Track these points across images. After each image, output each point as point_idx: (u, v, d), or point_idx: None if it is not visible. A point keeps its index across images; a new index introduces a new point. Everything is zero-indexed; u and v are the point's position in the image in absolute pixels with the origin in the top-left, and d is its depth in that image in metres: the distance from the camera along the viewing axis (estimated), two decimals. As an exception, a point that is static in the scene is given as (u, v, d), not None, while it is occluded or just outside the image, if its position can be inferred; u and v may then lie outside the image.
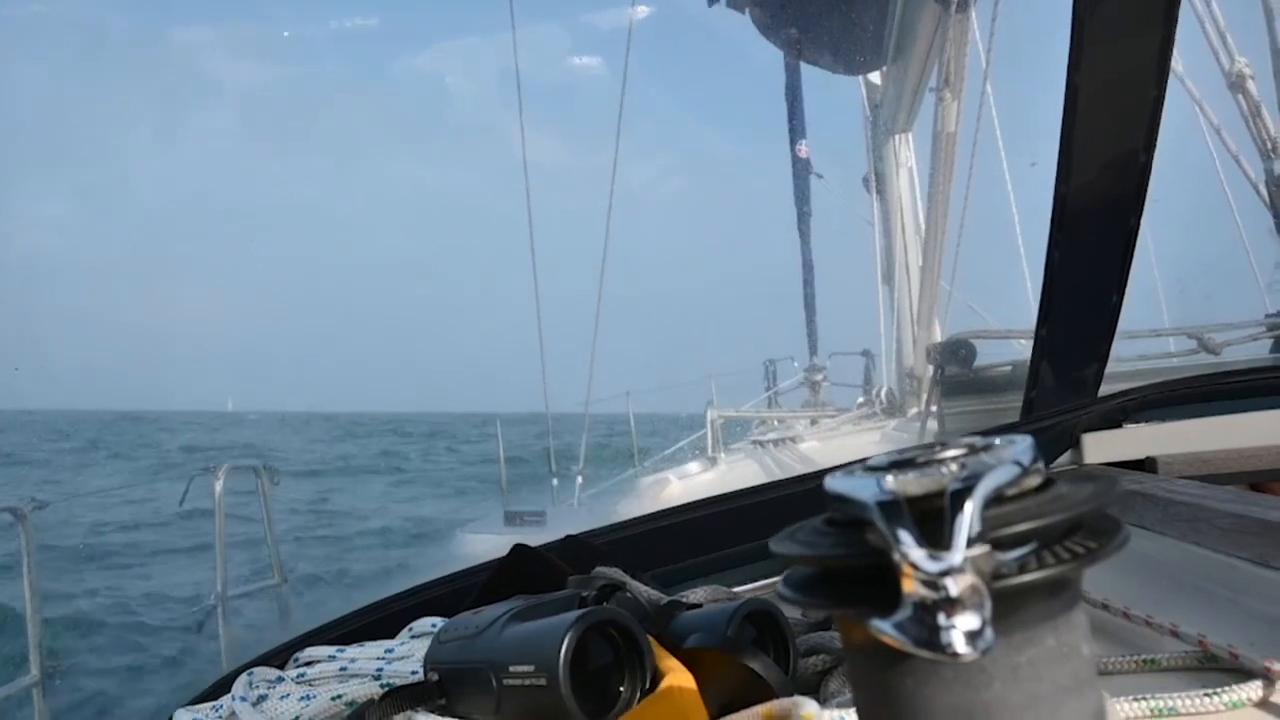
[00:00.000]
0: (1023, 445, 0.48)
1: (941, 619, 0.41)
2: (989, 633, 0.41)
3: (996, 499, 0.45)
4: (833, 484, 0.49)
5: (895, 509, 0.44)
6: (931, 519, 0.43)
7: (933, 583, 0.42)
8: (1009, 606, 0.44)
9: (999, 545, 0.43)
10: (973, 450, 0.49)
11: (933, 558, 0.42)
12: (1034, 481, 0.48)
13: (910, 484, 0.45)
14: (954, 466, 0.46)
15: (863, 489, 0.46)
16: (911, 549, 0.42)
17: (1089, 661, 0.49)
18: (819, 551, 0.48)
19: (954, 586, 0.41)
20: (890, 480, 0.46)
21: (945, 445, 0.50)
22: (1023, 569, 0.44)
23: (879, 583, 0.44)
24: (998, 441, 0.50)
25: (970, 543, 0.42)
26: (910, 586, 0.42)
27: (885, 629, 0.43)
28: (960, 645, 0.41)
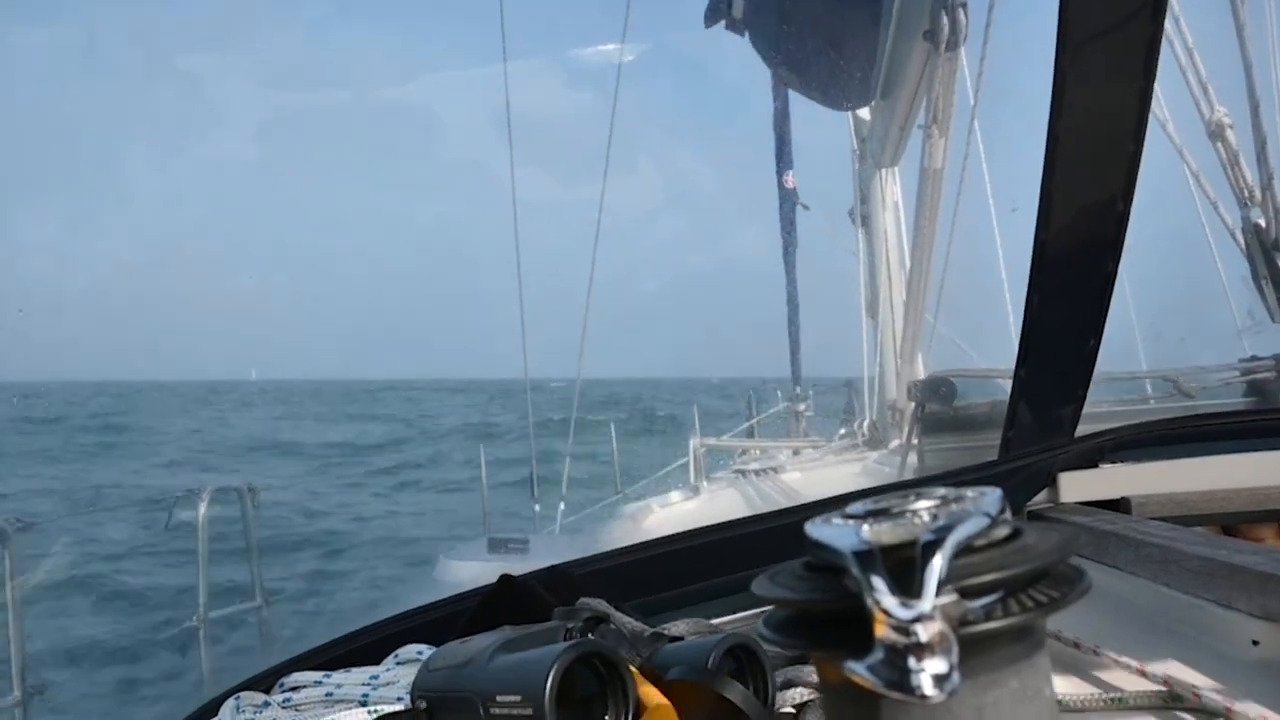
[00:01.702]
0: (992, 497, 0.52)
1: (911, 663, 0.45)
2: (956, 676, 0.45)
3: (966, 549, 0.48)
4: (812, 530, 0.52)
5: (870, 558, 0.47)
6: (904, 567, 0.47)
7: (903, 628, 0.45)
8: (975, 651, 0.47)
9: (967, 593, 0.46)
10: (945, 501, 0.52)
11: (904, 605, 0.45)
12: (1002, 532, 0.51)
13: (885, 533, 0.49)
14: (926, 517, 0.50)
15: (840, 537, 0.49)
16: (884, 596, 0.46)
17: (1050, 703, 0.52)
18: (798, 595, 0.51)
19: (924, 632, 0.44)
20: (866, 529, 0.49)
21: (920, 495, 0.53)
22: (989, 616, 0.47)
23: (854, 625, 0.47)
24: (969, 493, 0.53)
25: (940, 591, 0.45)
26: (882, 631, 0.45)
27: (858, 670, 0.46)
28: (928, 688, 0.44)
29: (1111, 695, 1.14)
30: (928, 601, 0.45)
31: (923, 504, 0.52)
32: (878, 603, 0.45)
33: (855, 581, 0.47)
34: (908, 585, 0.46)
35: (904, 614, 0.45)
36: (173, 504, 5.29)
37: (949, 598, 0.45)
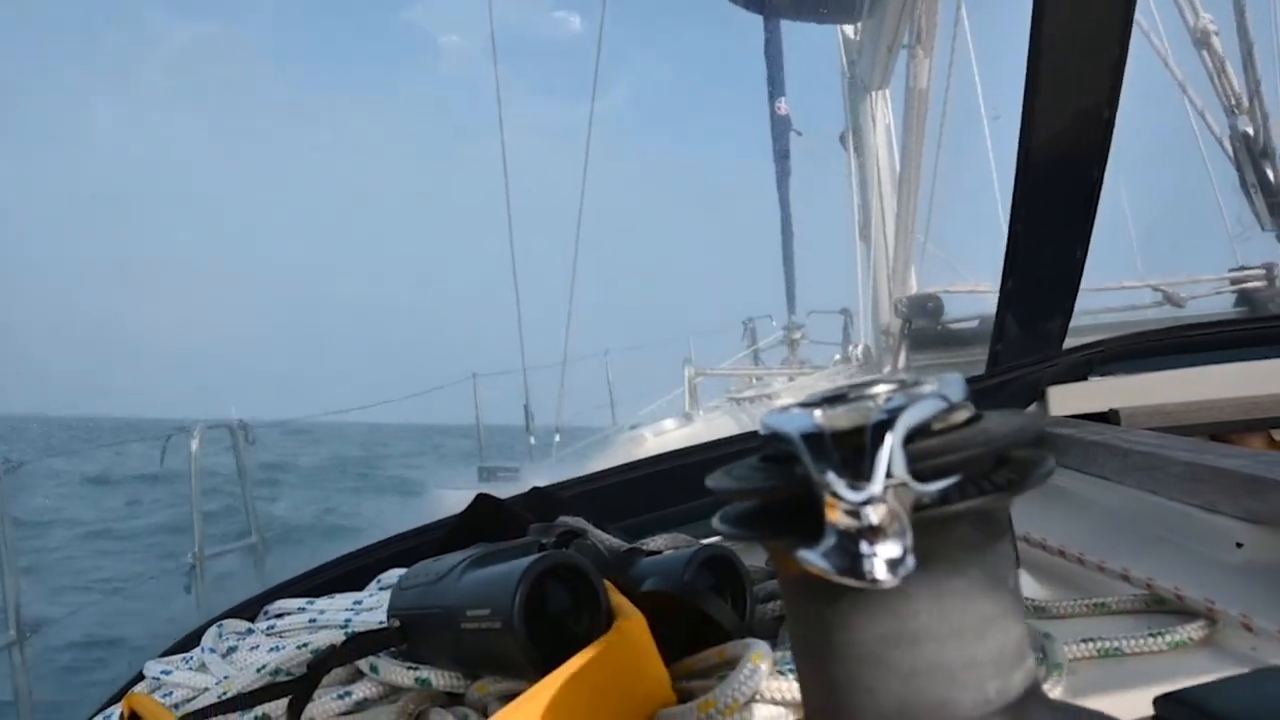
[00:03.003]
0: (952, 382, 0.50)
1: (863, 547, 0.43)
2: (910, 560, 0.43)
3: (923, 432, 0.46)
4: (767, 420, 0.50)
5: (819, 441, 0.45)
6: (858, 452, 0.45)
7: (854, 512, 0.43)
8: (933, 537, 0.45)
9: (921, 477, 0.44)
10: (903, 386, 0.50)
11: (853, 487, 0.43)
12: (961, 416, 0.49)
13: (837, 418, 0.47)
14: (882, 400, 0.48)
15: (791, 423, 0.47)
16: (834, 480, 0.44)
17: (1015, 593, 0.50)
18: (749, 485, 0.50)
19: (874, 515, 0.42)
20: (818, 414, 0.47)
21: (881, 381, 0.51)
22: (944, 500, 0.45)
23: (807, 514, 0.45)
24: (932, 380, 0.51)
25: (891, 474, 0.43)
26: (834, 516, 0.44)
27: (810, 558, 0.44)
28: (881, 572, 0.42)
29: (1095, 601, 1.13)
30: (878, 483, 0.43)
31: (880, 389, 0.49)
32: (827, 486, 0.43)
33: (807, 468, 0.45)
34: (859, 469, 0.44)
35: (854, 496, 0.43)
36: (165, 442, 5.28)
37: (900, 480, 0.43)
